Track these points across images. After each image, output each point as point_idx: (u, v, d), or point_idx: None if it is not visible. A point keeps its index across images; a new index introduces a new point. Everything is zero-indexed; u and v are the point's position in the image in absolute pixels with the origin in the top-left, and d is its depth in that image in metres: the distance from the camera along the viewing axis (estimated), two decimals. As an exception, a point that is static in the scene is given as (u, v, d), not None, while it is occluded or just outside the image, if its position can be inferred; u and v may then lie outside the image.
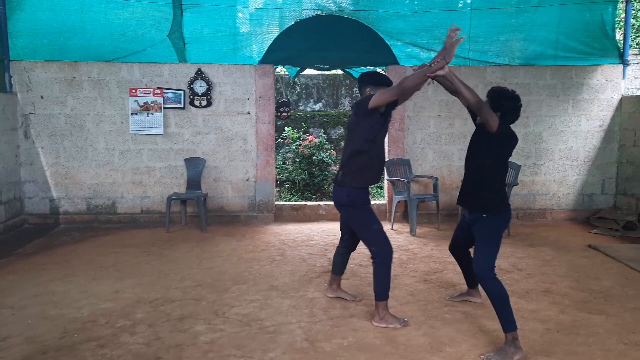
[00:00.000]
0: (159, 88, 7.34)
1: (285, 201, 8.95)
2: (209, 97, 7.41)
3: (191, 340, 3.67)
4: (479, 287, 4.11)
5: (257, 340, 3.68)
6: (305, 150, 9.88)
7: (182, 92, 7.38)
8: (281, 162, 10.35)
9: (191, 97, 7.39)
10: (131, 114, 7.35)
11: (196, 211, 7.27)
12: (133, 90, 7.32)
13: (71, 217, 7.43)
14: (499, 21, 7.74)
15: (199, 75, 7.37)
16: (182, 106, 7.40)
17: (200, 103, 7.41)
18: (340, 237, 4.57)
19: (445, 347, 3.57)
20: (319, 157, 9.84)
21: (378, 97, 3.75)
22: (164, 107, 7.38)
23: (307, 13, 7.55)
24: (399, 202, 7.28)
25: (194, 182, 7.32)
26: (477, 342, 3.65)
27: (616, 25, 7.94)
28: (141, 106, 7.33)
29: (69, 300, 4.44)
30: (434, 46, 7.70)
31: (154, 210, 7.53)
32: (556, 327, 3.89)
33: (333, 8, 7.58)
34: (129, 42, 7.38)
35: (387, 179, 7.66)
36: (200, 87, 7.39)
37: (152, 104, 7.34)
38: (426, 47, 7.74)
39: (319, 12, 7.55)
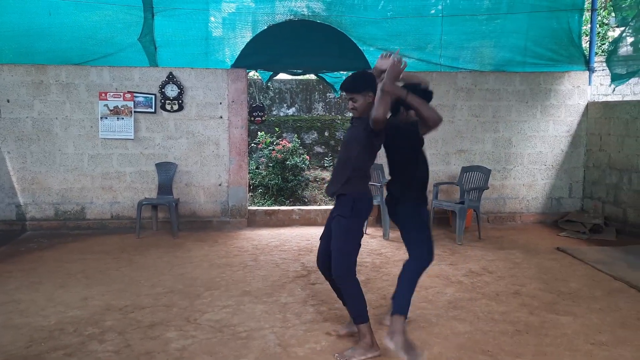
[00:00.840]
0: (129, 92, 7.24)
1: (258, 206, 8.90)
2: (180, 101, 7.34)
3: (162, 348, 3.61)
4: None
5: (229, 346, 3.64)
6: (278, 155, 9.86)
7: (153, 96, 7.29)
8: (254, 167, 10.30)
9: (162, 101, 7.31)
10: (101, 118, 7.23)
11: (168, 217, 7.17)
12: (103, 94, 7.20)
13: (38, 224, 7.26)
14: (469, 28, 7.87)
15: (171, 79, 7.30)
16: (153, 110, 7.31)
17: (171, 107, 7.33)
18: None
19: (418, 348, 3.58)
20: (293, 162, 9.83)
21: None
22: (135, 111, 7.28)
23: (280, 18, 7.56)
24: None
25: (165, 187, 7.23)
26: (449, 344, 3.68)
27: (582, 33, 8.16)
28: (111, 110, 7.22)
29: (36, 309, 4.33)
30: (407, 52, 7.79)
31: (125, 215, 7.40)
32: (525, 328, 3.95)
33: (306, 13, 7.60)
34: (98, 45, 7.28)
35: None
36: (171, 91, 7.31)
37: (123, 108, 7.23)
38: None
39: (292, 17, 7.56)
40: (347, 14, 7.62)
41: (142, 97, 7.29)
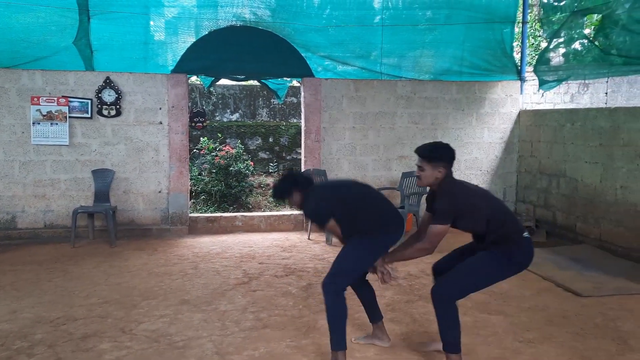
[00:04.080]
0: (64, 97, 7.01)
1: (200, 213, 8.78)
2: (118, 107, 7.16)
3: (94, 360, 3.52)
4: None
5: (165, 356, 3.58)
6: (221, 161, 9.76)
7: (90, 101, 7.09)
8: (197, 173, 10.15)
9: (99, 106, 7.11)
10: (33, 123, 6.95)
11: (105, 225, 6.96)
12: (35, 99, 6.94)
13: (-36, 234, 6.90)
14: (411, 38, 8.07)
15: (108, 83, 7.11)
16: (89, 115, 7.10)
17: (109, 112, 7.14)
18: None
19: (355, 353, 3.64)
20: (236, 168, 9.75)
21: None
22: (70, 117, 7.05)
23: (224, 23, 7.51)
24: (314, 212, 7.35)
25: (102, 195, 7.03)
26: (385, 347, 3.76)
27: (515, 45, 8.54)
28: (44, 115, 6.96)
29: (-41, 324, 4.12)
30: (349, 60, 7.93)
31: (59, 224, 7.14)
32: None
33: (252, 19, 7.58)
34: (31, 48, 7.00)
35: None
36: (109, 96, 7.12)
37: (57, 113, 6.99)
38: (341, 61, 7.93)
39: (236, 22, 7.53)
40: (292, 21, 7.67)
41: (78, 102, 7.07)
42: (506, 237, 3.28)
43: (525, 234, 3.34)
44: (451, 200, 3.27)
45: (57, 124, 7.01)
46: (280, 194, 3.65)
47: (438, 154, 3.32)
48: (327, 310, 3.39)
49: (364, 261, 3.48)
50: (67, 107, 7.02)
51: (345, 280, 3.44)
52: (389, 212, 3.56)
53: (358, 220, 3.47)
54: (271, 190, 3.67)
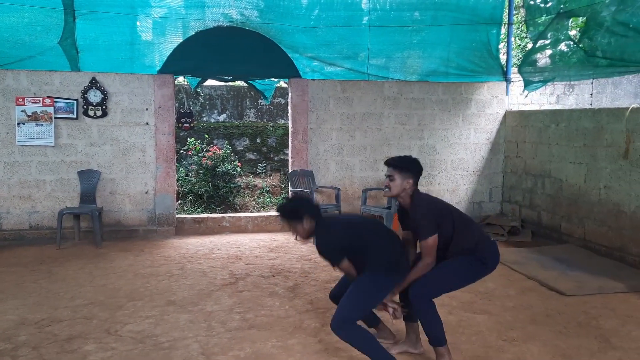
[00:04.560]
0: (49, 97, 6.96)
1: (188, 214, 8.76)
2: (104, 107, 7.12)
3: (79, 361, 3.50)
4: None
5: (151, 357, 3.58)
6: (209, 162, 9.75)
7: (75, 102, 7.04)
8: (184, 174, 10.13)
9: (85, 106, 7.07)
10: (18, 124, 6.90)
11: (91, 226, 6.92)
12: (20, 99, 6.88)
13: (-52, 236, 6.83)
14: (397, 39, 8.10)
15: (94, 84, 7.07)
16: (75, 116, 7.06)
17: (94, 113, 7.10)
18: None
19: (341, 352, 3.66)
20: (224, 169, 9.75)
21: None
22: (55, 117, 7.00)
23: (211, 23, 7.49)
24: (301, 212, 7.36)
25: (88, 196, 6.99)
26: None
27: (501, 46, 8.61)
28: (29, 116, 6.91)
29: (-59, 326, 4.08)
30: (336, 61, 7.95)
31: (44, 225, 7.09)
32: (444, 327, 4.10)
33: (240, 19, 7.56)
34: (16, 48, 6.94)
35: (290, 190, 7.74)
36: (94, 96, 7.08)
37: (42, 114, 6.94)
38: (328, 62, 7.95)
39: (223, 22, 7.51)
40: (279, 22, 7.67)
41: (63, 102, 7.02)
42: (474, 242, 3.44)
43: (492, 239, 3.51)
44: (429, 209, 3.40)
45: (42, 124, 6.96)
46: (290, 215, 3.47)
47: (408, 165, 3.45)
48: (353, 345, 3.29)
49: (373, 300, 3.41)
50: (53, 108, 6.97)
51: (354, 319, 3.34)
52: (397, 250, 3.48)
53: (369, 258, 3.40)
54: (279, 209, 3.52)
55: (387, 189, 3.49)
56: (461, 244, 3.42)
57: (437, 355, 3.44)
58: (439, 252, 3.42)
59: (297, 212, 3.45)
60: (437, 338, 3.43)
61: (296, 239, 3.58)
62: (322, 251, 3.47)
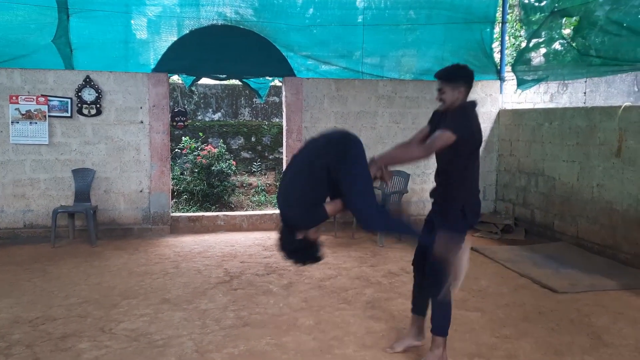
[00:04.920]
0: (43, 95, 6.94)
1: (182, 212, 8.76)
2: (98, 106, 7.11)
3: (73, 359, 3.50)
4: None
5: (145, 354, 3.59)
6: (204, 161, 9.74)
7: (69, 100, 7.03)
8: (179, 173, 10.12)
9: (79, 105, 7.05)
10: (12, 122, 6.88)
11: (85, 225, 6.91)
12: (14, 98, 6.85)
13: (-59, 235, 6.81)
14: (391, 37, 8.12)
15: (88, 82, 7.06)
16: (69, 115, 7.04)
17: (89, 112, 7.09)
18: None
19: (334, 350, 3.68)
20: (219, 168, 9.74)
21: None
22: (49, 116, 6.98)
23: (206, 22, 7.48)
24: (296, 211, 7.38)
25: (82, 194, 6.97)
26: (364, 342, 3.80)
27: (495, 45, 8.64)
28: (23, 114, 6.89)
29: None
30: (331, 59, 7.96)
31: (39, 224, 7.08)
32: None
33: (235, 18, 7.55)
34: (9, 46, 6.92)
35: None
36: (89, 95, 7.07)
37: (36, 112, 6.92)
38: (323, 60, 7.96)
39: (219, 21, 7.50)
40: (274, 20, 7.67)
41: (57, 100, 7.00)
42: (465, 190, 3.38)
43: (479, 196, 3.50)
44: (469, 119, 3.33)
45: (36, 123, 6.94)
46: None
47: (456, 74, 3.41)
48: (393, 232, 3.41)
49: (369, 179, 3.13)
50: (47, 106, 6.95)
51: (374, 203, 3.14)
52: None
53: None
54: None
55: (442, 102, 3.41)
56: (462, 190, 3.37)
57: (434, 345, 3.45)
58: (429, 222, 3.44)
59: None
60: (443, 327, 3.43)
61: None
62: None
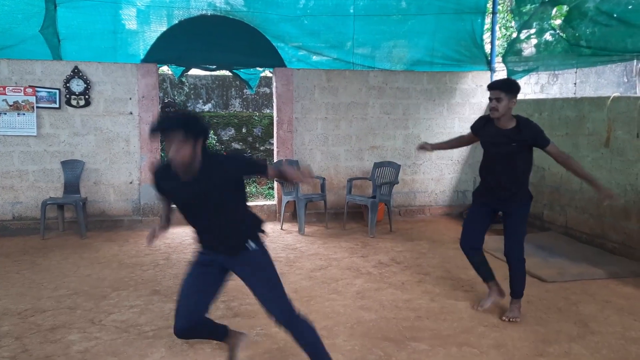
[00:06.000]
0: (30, 86, 6.88)
1: (173, 204, 8.72)
2: (87, 97, 7.06)
3: (63, 351, 3.50)
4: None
5: (135, 345, 3.59)
6: (194, 152, 9.70)
7: (58, 91, 6.96)
8: (170, 164, 10.07)
9: (67, 96, 7.00)
10: (-1, 113, 6.83)
11: (75, 216, 6.88)
12: (1, 89, 6.79)
13: None
14: (383, 28, 8.10)
15: (76, 73, 7.00)
16: (57, 106, 6.98)
17: (77, 103, 7.04)
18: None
19: (324, 340, 3.67)
20: (209, 159, 9.70)
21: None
22: (37, 107, 6.92)
23: (196, 12, 7.42)
24: (288, 202, 7.39)
25: (71, 186, 6.94)
26: (354, 332, 3.83)
27: (486, 36, 8.64)
28: (11, 105, 6.83)
29: None
30: (322, 50, 7.94)
31: (28, 216, 7.03)
32: (426, 314, 4.17)
33: (225, 8, 7.50)
34: (-5, 36, 6.86)
35: (276, 180, 7.73)
36: (77, 85, 7.01)
37: (24, 103, 6.86)
38: (314, 51, 7.94)
39: (208, 11, 7.45)
40: (265, 10, 7.62)
41: (45, 91, 6.94)
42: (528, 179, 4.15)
43: None
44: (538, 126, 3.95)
45: (24, 114, 6.88)
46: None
47: (512, 86, 3.84)
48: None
49: None
50: (35, 97, 6.89)
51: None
52: None
53: None
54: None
55: (494, 111, 3.82)
56: (526, 184, 4.07)
57: (514, 306, 4.09)
58: (490, 176, 4.11)
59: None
60: (521, 292, 4.10)
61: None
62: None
